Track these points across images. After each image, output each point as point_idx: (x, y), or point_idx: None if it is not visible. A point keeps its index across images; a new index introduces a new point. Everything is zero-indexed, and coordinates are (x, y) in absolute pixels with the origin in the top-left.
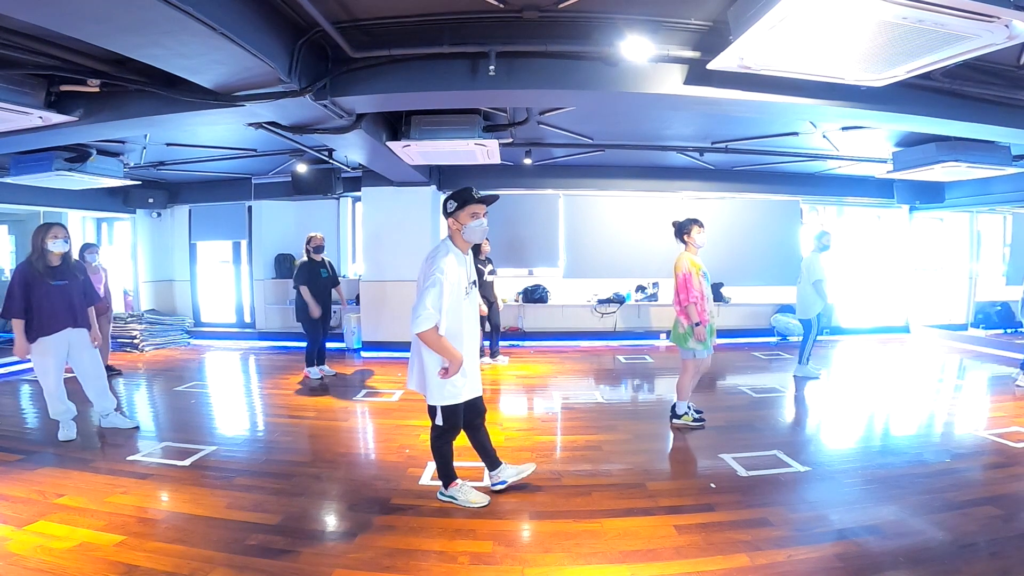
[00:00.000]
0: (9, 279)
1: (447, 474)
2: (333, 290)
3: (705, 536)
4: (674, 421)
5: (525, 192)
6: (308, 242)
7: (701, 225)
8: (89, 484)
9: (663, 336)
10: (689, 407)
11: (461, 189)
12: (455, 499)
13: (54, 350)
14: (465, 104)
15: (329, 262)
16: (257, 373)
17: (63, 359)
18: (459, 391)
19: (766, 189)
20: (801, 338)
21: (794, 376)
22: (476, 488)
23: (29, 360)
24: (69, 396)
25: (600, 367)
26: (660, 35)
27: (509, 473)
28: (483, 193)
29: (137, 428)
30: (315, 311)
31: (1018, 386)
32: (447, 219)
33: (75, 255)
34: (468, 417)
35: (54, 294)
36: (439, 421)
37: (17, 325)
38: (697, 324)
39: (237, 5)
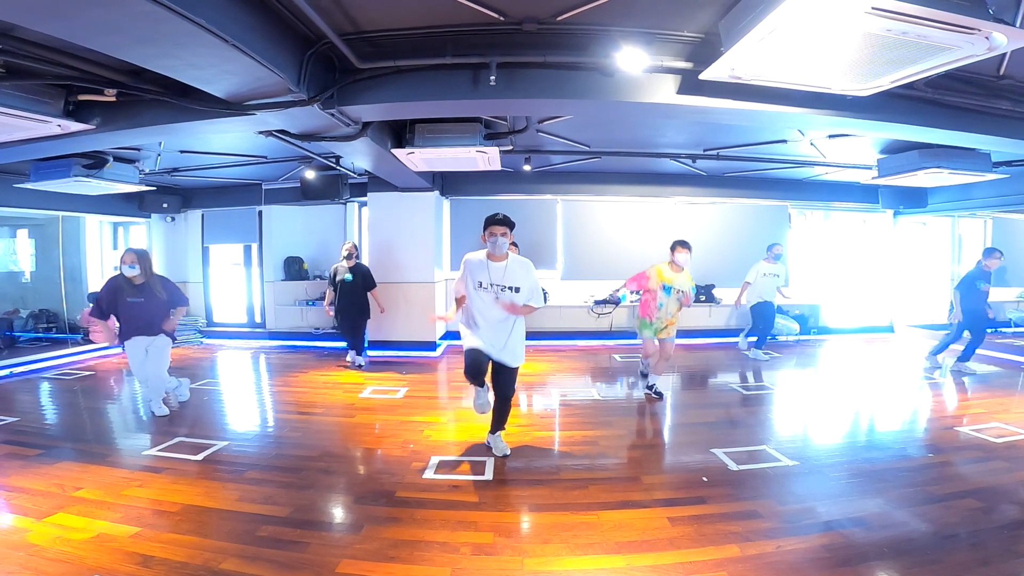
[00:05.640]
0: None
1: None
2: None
3: (697, 528)
4: (646, 391)
5: (524, 197)
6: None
7: (684, 247)
8: (106, 478)
9: None
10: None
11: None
12: (490, 446)
13: (132, 350)
14: (467, 113)
15: (349, 267)
16: (267, 371)
17: (142, 356)
18: (464, 339)
19: (756, 194)
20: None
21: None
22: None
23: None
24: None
25: (596, 365)
26: (654, 46)
27: (500, 445)
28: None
29: (166, 416)
30: (327, 311)
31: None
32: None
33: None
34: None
35: (131, 309)
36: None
37: (101, 323)
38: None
39: (248, 18)
